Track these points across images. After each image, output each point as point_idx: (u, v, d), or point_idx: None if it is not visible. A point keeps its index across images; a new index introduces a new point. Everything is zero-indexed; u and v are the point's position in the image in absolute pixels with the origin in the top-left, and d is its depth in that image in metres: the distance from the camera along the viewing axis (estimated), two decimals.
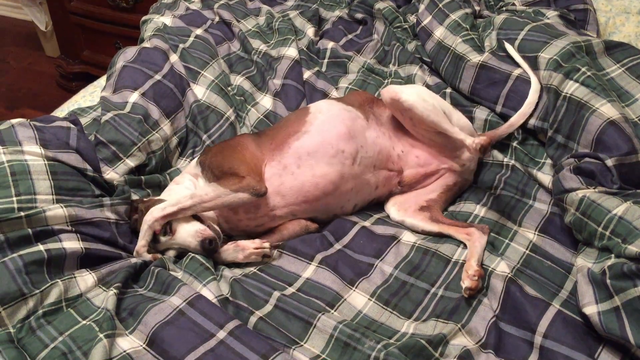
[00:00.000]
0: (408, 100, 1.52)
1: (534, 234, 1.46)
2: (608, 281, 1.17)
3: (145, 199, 1.54)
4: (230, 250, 1.41)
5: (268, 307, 1.23)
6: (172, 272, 1.32)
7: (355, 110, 1.59)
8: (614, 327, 1.12)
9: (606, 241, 1.28)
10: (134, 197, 1.56)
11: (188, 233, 1.40)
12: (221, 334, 1.13)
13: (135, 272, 1.34)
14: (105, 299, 1.21)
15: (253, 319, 1.20)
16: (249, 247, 1.39)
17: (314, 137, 1.51)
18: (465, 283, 1.27)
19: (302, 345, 1.16)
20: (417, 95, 1.53)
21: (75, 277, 1.26)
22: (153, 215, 1.39)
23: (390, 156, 1.59)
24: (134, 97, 1.73)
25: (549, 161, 1.65)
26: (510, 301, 1.24)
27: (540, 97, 1.70)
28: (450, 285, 1.32)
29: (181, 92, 1.86)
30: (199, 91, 1.88)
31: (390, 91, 1.55)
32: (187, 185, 1.53)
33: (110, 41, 3.12)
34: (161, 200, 1.48)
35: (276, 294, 1.26)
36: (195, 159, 1.59)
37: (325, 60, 2.18)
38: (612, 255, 1.25)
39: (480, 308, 1.23)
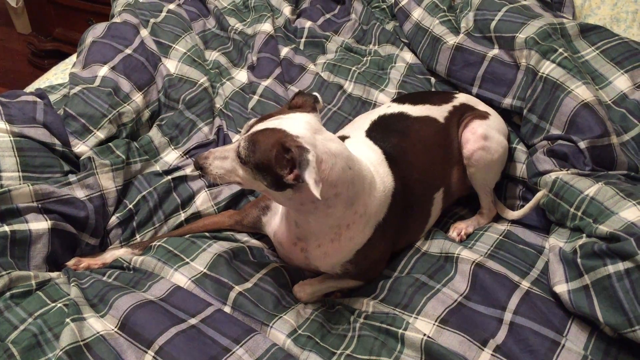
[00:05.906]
0: (474, 163, 1.48)
1: (508, 223, 1.51)
2: (579, 260, 1.19)
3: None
4: None
5: (248, 284, 1.23)
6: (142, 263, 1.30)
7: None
8: (584, 305, 1.14)
9: (578, 221, 1.29)
10: (105, 162, 1.48)
11: None
12: (193, 321, 1.12)
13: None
14: (69, 287, 1.20)
15: (232, 294, 1.20)
16: None
17: None
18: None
19: (281, 317, 1.18)
20: (488, 161, 1.48)
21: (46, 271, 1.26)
22: None
23: None
24: (103, 71, 1.69)
25: (520, 147, 1.63)
26: (479, 283, 1.25)
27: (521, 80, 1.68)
28: (411, 272, 1.34)
29: (153, 66, 1.81)
30: (171, 65, 1.83)
31: (476, 146, 1.47)
32: None
33: (82, 18, 3.04)
34: None
35: (258, 274, 1.27)
36: None
37: (303, 40, 2.14)
38: (584, 235, 1.26)
39: (438, 296, 1.24)
